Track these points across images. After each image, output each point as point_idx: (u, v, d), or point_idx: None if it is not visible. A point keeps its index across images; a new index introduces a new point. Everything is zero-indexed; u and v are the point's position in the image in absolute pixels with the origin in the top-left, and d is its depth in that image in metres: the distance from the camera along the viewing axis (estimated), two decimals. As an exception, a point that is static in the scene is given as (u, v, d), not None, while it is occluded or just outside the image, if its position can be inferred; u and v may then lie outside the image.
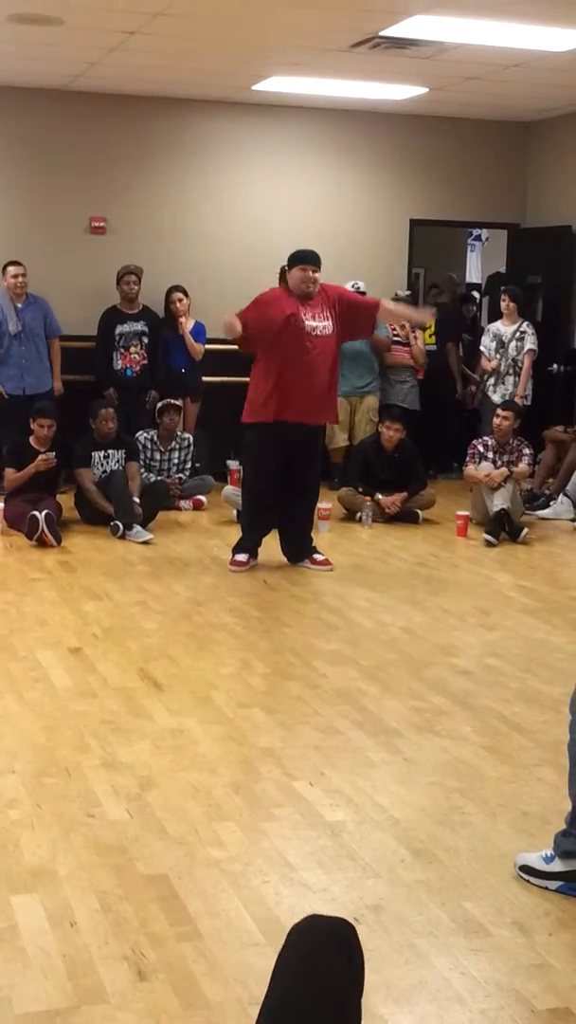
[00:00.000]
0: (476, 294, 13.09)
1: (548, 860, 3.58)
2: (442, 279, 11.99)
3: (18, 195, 10.12)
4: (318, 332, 7.24)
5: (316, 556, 7.61)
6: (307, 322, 7.20)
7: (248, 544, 7.56)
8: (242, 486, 7.93)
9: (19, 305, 9.36)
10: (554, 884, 3.55)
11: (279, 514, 7.63)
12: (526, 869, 3.61)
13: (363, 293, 10.26)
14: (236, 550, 7.55)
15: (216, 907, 3.39)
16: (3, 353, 9.36)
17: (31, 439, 8.57)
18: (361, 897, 3.50)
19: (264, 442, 7.34)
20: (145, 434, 9.48)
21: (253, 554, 7.56)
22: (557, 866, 3.56)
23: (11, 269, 9.33)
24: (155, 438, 9.51)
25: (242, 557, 7.49)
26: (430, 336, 11.03)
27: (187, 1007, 2.89)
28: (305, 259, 7.32)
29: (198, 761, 4.49)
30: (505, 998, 3.03)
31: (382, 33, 7.61)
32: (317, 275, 7.29)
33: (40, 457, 8.44)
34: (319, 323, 7.26)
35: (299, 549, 7.63)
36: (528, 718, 5.06)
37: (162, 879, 3.56)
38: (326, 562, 7.58)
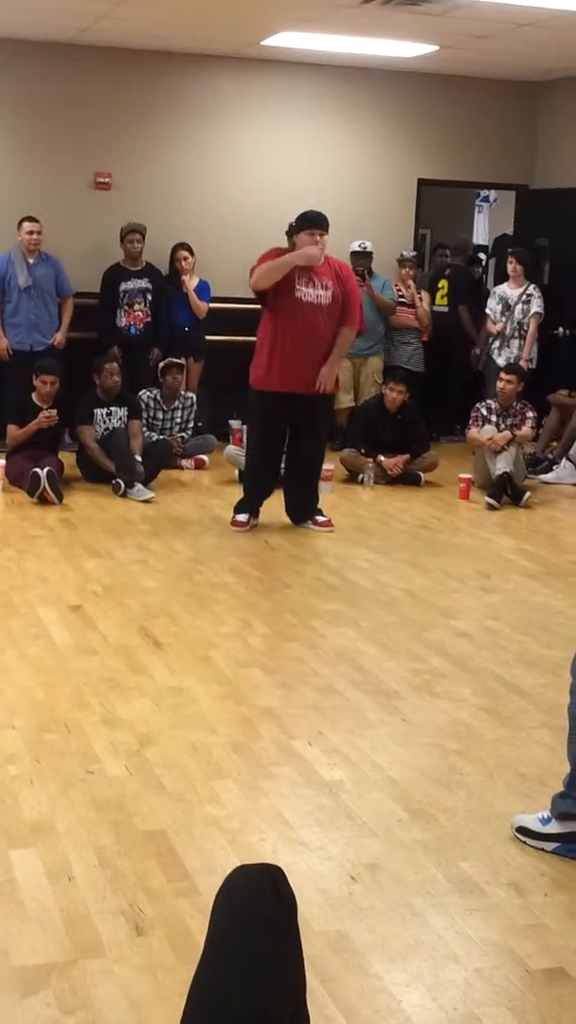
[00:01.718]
0: (483, 256, 13.01)
1: (545, 822, 3.60)
2: (458, 241, 11.89)
3: (23, 149, 10.04)
4: (311, 299, 7.15)
5: (319, 518, 7.61)
6: (301, 288, 7.11)
7: (249, 505, 7.56)
8: (245, 447, 7.93)
9: (31, 261, 9.33)
10: (551, 846, 3.57)
11: (284, 476, 7.64)
12: (523, 831, 3.63)
13: (370, 253, 10.25)
14: (237, 510, 7.55)
15: (213, 863, 3.40)
16: (11, 307, 9.33)
17: (33, 396, 8.54)
18: (358, 856, 3.52)
19: (265, 408, 7.36)
20: (148, 393, 9.46)
21: (254, 514, 7.56)
22: (554, 827, 3.57)
23: (26, 225, 9.30)
24: (158, 397, 9.48)
25: (242, 517, 7.48)
26: (442, 298, 10.99)
27: (184, 962, 2.90)
28: (314, 222, 7.19)
29: (197, 720, 4.50)
30: (500, 957, 3.05)
31: (393, -11, 7.52)
32: (325, 239, 7.20)
33: (42, 414, 8.41)
34: (315, 291, 7.16)
35: (303, 512, 7.64)
36: (527, 681, 5.07)
37: (160, 835, 3.58)
38: (328, 523, 7.58)
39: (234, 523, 7.48)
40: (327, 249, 7.25)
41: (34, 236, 9.29)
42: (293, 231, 7.35)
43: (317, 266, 7.16)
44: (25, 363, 8.98)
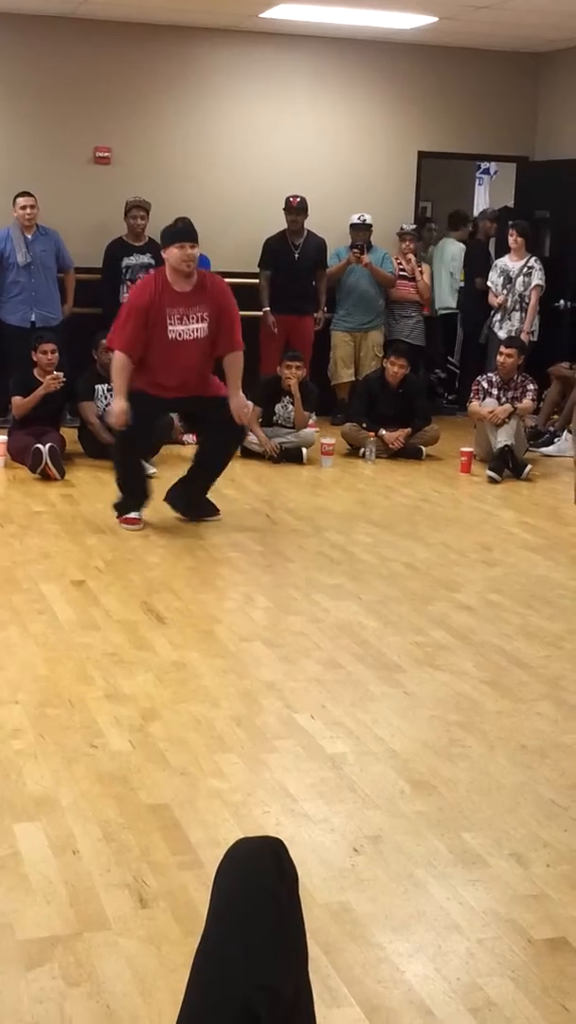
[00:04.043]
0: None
1: None
2: (489, 213, 11.86)
3: (21, 124, 9.99)
4: (187, 336, 6.65)
5: (211, 512, 7.14)
6: (174, 327, 6.61)
7: (135, 504, 6.98)
8: (115, 446, 7.25)
9: (28, 236, 9.30)
10: None
11: (190, 471, 7.14)
12: None
13: (369, 226, 10.21)
14: (123, 510, 6.96)
15: (217, 836, 3.42)
16: (9, 283, 9.31)
17: (35, 371, 8.52)
18: (360, 828, 3.54)
19: (136, 404, 6.68)
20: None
21: (140, 510, 6.99)
22: None
23: (20, 200, 9.25)
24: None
25: (134, 515, 6.92)
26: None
27: (188, 934, 2.92)
28: (184, 234, 6.62)
29: (200, 694, 4.52)
30: (502, 927, 3.07)
31: (392, -41, 7.47)
32: (195, 252, 6.65)
33: (49, 377, 8.38)
34: (191, 326, 6.65)
35: (193, 507, 7.12)
36: (528, 653, 5.08)
37: (164, 809, 3.60)
38: (216, 513, 7.14)
39: (126, 520, 6.91)
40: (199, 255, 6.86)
41: (27, 211, 9.23)
42: (163, 244, 6.76)
43: (188, 291, 6.64)
44: (27, 338, 8.97)
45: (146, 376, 6.73)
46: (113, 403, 6.85)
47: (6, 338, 9.32)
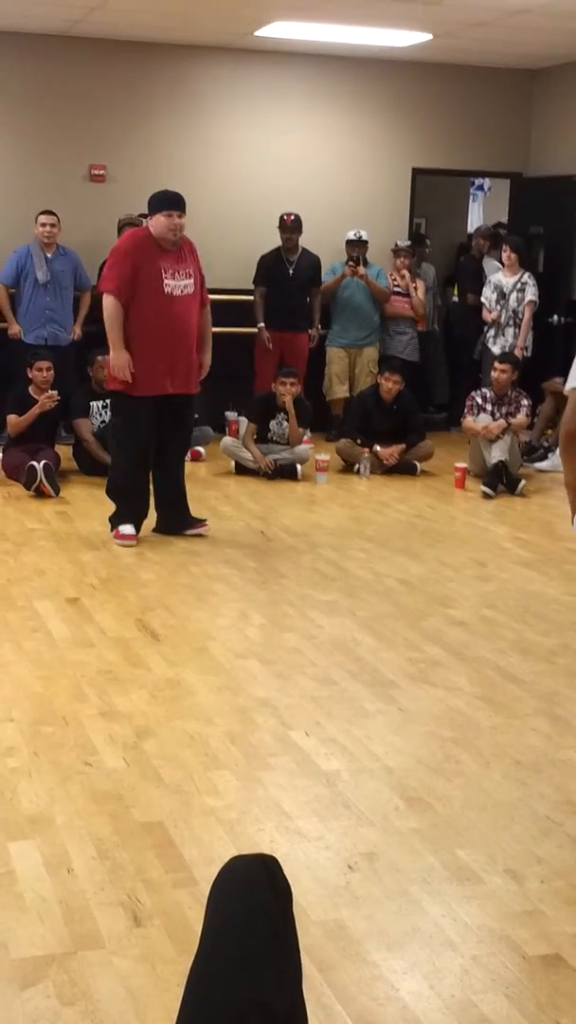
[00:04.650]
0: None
1: None
2: (483, 230, 11.88)
3: (16, 141, 10.03)
4: (180, 292, 6.64)
5: (196, 523, 7.11)
6: (169, 282, 6.59)
7: (134, 519, 6.93)
8: (112, 459, 7.22)
9: (48, 255, 9.35)
10: None
11: (155, 485, 7.04)
12: None
13: (365, 242, 10.25)
14: (118, 522, 6.92)
15: (212, 854, 3.42)
16: (27, 301, 9.35)
17: (30, 389, 8.53)
18: (355, 845, 3.54)
19: (139, 413, 6.76)
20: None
21: (138, 526, 6.94)
22: None
23: (42, 218, 9.33)
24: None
25: (129, 530, 6.86)
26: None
27: (182, 952, 2.92)
28: (173, 203, 6.63)
29: (195, 711, 4.52)
30: (497, 944, 3.07)
31: (385, -22, 7.50)
32: (182, 221, 6.65)
33: (43, 396, 8.40)
34: (183, 281, 6.66)
35: (179, 520, 7.10)
36: (523, 668, 5.08)
37: (158, 827, 3.60)
38: (204, 523, 7.12)
39: (120, 536, 6.85)
40: (186, 230, 6.78)
41: (47, 229, 9.31)
42: (150, 211, 6.74)
43: (174, 251, 6.66)
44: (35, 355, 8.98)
45: (138, 356, 6.62)
46: (114, 356, 6.65)
47: (18, 353, 9.30)
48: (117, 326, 6.63)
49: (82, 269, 9.52)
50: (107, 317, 6.67)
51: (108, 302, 6.65)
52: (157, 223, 6.66)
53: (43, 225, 9.31)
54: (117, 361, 6.67)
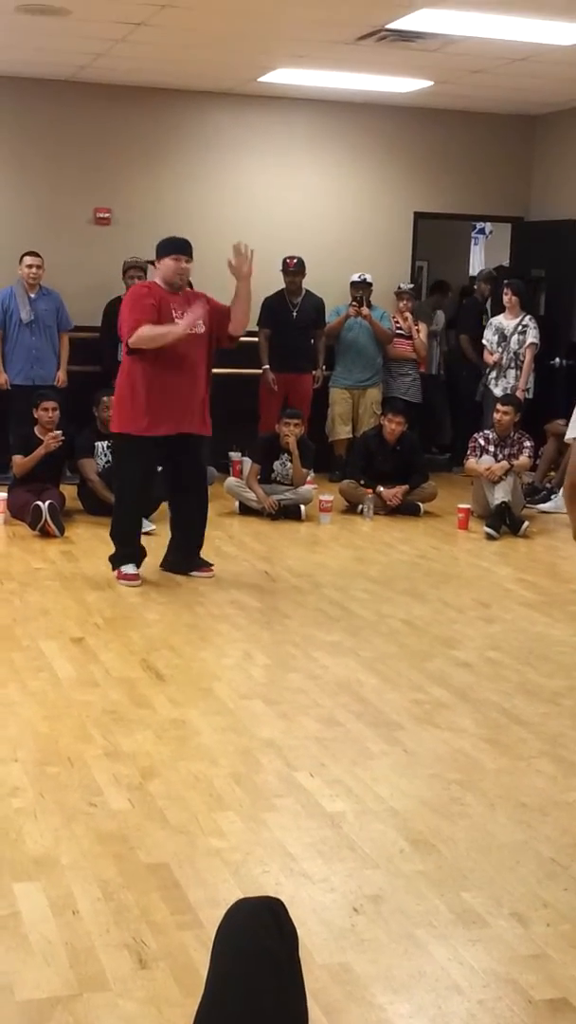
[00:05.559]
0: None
1: None
2: (485, 275, 11.96)
3: (23, 185, 10.13)
4: (191, 332, 6.67)
5: (203, 566, 7.13)
6: (176, 320, 6.65)
7: (134, 556, 7.00)
8: (115, 497, 7.30)
9: (32, 295, 9.41)
10: None
11: (173, 522, 7.17)
12: None
13: (370, 284, 10.32)
14: (120, 562, 6.96)
15: (217, 896, 3.41)
16: (13, 342, 9.40)
17: (36, 429, 8.58)
18: (360, 887, 3.53)
19: (132, 454, 6.86)
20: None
21: (138, 565, 6.98)
22: None
23: (27, 259, 9.40)
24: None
25: (131, 570, 6.91)
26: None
27: (188, 995, 2.91)
28: (180, 248, 6.77)
29: (199, 751, 4.51)
30: (503, 988, 3.05)
31: (388, 26, 7.60)
32: (189, 267, 6.79)
33: (48, 436, 8.44)
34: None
35: (189, 559, 7.13)
36: (527, 710, 5.08)
37: (163, 868, 3.59)
38: (210, 568, 7.13)
39: (124, 577, 6.89)
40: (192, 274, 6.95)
41: (33, 270, 9.37)
42: (157, 256, 6.85)
43: (180, 296, 6.77)
44: (28, 397, 9.03)
45: (155, 400, 6.65)
46: (179, 331, 6.59)
47: (8, 396, 9.39)
48: (161, 329, 6.60)
49: (64, 310, 9.57)
50: (147, 334, 6.58)
51: (141, 331, 6.56)
52: (164, 266, 6.77)
53: (28, 266, 9.39)
54: (188, 320, 6.61)
